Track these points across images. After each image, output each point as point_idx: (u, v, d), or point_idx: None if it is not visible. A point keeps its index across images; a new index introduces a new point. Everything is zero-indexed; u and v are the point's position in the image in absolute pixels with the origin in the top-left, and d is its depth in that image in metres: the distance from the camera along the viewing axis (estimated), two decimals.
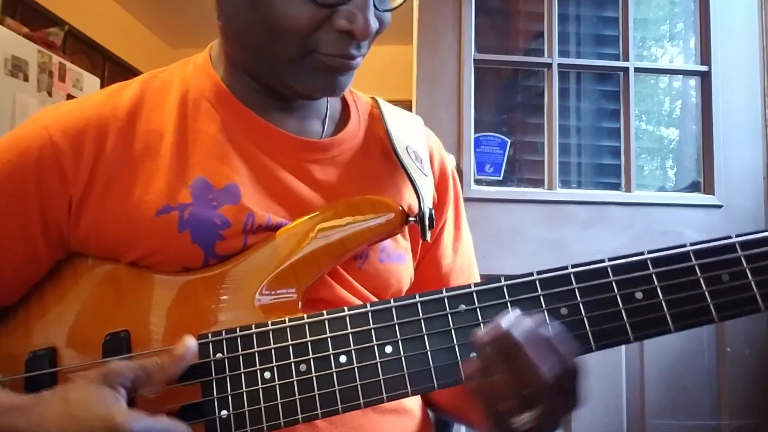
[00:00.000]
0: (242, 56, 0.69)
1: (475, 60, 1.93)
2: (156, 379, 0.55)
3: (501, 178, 1.98)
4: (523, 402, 0.52)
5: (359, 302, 0.68)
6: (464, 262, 0.84)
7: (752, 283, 0.56)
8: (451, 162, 0.85)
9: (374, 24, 0.62)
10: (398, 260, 0.73)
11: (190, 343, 0.57)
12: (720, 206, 1.91)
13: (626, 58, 1.98)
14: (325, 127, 0.75)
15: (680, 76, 2.21)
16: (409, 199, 0.74)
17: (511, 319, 0.52)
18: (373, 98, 0.82)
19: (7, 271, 0.65)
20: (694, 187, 2.02)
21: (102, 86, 3.48)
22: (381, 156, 0.75)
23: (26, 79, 2.69)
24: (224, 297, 0.63)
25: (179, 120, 0.68)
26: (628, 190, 1.94)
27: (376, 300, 0.70)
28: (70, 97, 2.98)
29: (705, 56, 1.98)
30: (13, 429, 0.52)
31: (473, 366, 0.54)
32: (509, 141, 2.00)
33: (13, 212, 0.64)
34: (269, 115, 0.71)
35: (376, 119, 0.78)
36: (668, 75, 2.25)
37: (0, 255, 0.64)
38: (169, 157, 0.66)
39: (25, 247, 0.64)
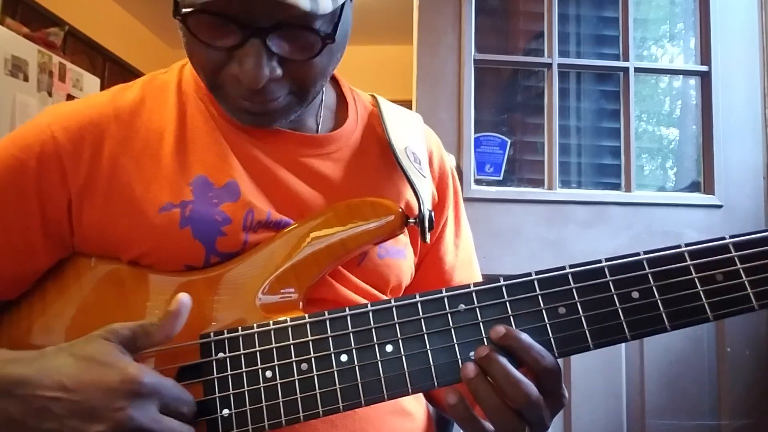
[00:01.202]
0: None
1: (475, 60, 1.93)
2: (155, 338, 0.56)
3: (501, 178, 1.98)
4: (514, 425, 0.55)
5: (360, 300, 0.69)
6: (465, 257, 0.84)
7: (746, 282, 0.57)
8: (450, 160, 0.86)
9: (266, 72, 0.58)
10: (397, 255, 0.74)
11: (184, 298, 0.57)
12: (720, 206, 1.91)
13: (626, 58, 1.98)
14: (320, 122, 0.75)
15: (680, 76, 2.21)
16: (407, 198, 0.75)
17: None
18: (373, 96, 0.82)
19: (6, 264, 0.65)
20: (694, 187, 2.02)
21: (102, 86, 3.49)
22: (379, 155, 0.76)
23: (26, 79, 2.69)
24: (226, 297, 0.64)
25: (179, 119, 0.69)
26: (628, 190, 1.94)
27: (377, 296, 0.71)
28: (70, 97, 2.99)
29: (705, 56, 1.98)
30: (22, 378, 0.52)
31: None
32: (509, 141, 2.00)
33: (12, 206, 0.65)
34: None
35: (375, 118, 0.79)
36: (668, 75, 2.25)
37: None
38: (170, 155, 0.67)
39: (24, 241, 0.65)
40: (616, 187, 1.99)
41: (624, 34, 1.99)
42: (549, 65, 1.96)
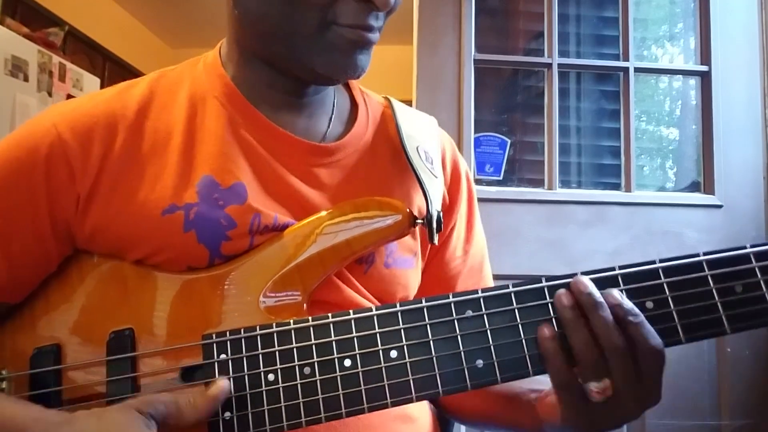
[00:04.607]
0: (261, 44, 0.68)
1: (475, 60, 1.93)
2: (186, 418, 0.55)
3: (501, 178, 1.98)
4: (597, 367, 0.53)
5: (366, 305, 0.68)
6: (474, 262, 0.83)
7: (766, 295, 0.55)
8: (464, 163, 0.85)
9: None
10: (404, 265, 0.72)
11: (224, 384, 0.57)
12: (720, 206, 1.91)
13: (626, 58, 1.98)
14: (331, 125, 0.74)
15: (680, 76, 2.21)
16: (418, 201, 0.74)
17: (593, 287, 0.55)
18: (386, 98, 0.81)
19: (18, 268, 0.65)
20: (694, 187, 2.02)
21: (102, 86, 3.48)
22: (390, 157, 0.75)
23: (26, 79, 2.69)
24: (229, 297, 0.63)
25: (188, 119, 0.68)
26: (628, 190, 1.93)
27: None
28: (70, 97, 2.98)
29: (705, 56, 1.98)
30: None
31: (549, 331, 0.55)
32: (509, 141, 2.00)
33: (24, 209, 0.64)
34: (277, 113, 0.70)
35: (387, 119, 0.78)
36: (668, 75, 2.25)
37: (12, 252, 0.64)
38: (177, 155, 0.66)
39: (36, 244, 0.64)
40: (616, 187, 1.98)
41: (624, 34, 1.99)
42: (549, 65, 1.96)
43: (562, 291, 0.55)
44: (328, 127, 0.74)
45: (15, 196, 0.64)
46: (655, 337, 0.54)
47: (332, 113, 0.75)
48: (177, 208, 0.63)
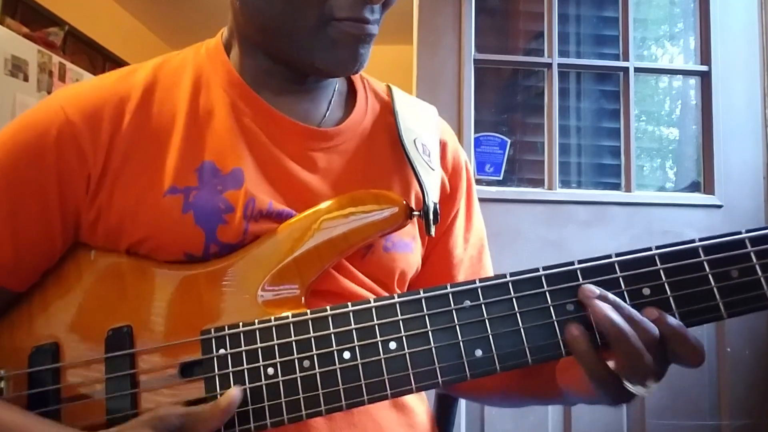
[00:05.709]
0: (261, 37, 0.69)
1: (475, 60, 1.93)
2: (199, 430, 0.55)
3: (501, 178, 1.98)
4: (645, 373, 0.56)
5: (364, 293, 0.68)
6: (474, 252, 0.83)
7: (762, 279, 0.55)
8: (464, 153, 0.85)
9: None
10: (404, 249, 0.72)
11: (235, 394, 0.57)
12: (720, 206, 1.91)
13: (626, 58, 1.98)
14: (330, 109, 0.75)
15: (680, 76, 2.21)
16: (415, 191, 0.74)
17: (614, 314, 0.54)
18: (387, 86, 0.82)
19: (24, 253, 0.64)
20: (694, 187, 2.02)
21: None
22: (388, 145, 0.75)
23: (26, 79, 2.68)
24: (227, 292, 0.63)
25: (191, 103, 0.68)
26: (628, 190, 1.94)
27: (381, 289, 0.70)
28: None
29: (705, 56, 1.98)
30: None
31: (577, 330, 0.56)
32: (509, 141, 2.00)
33: (33, 194, 0.64)
34: (278, 99, 0.71)
35: (387, 108, 0.78)
36: (668, 75, 2.25)
37: (20, 235, 0.64)
38: (180, 139, 0.66)
39: (44, 230, 0.64)
40: (616, 187, 1.99)
41: (624, 34, 1.99)
42: (549, 65, 1.96)
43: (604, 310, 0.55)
44: (329, 108, 0.74)
45: (25, 180, 0.64)
46: (700, 348, 0.55)
47: (332, 98, 0.76)
48: (178, 191, 0.64)
